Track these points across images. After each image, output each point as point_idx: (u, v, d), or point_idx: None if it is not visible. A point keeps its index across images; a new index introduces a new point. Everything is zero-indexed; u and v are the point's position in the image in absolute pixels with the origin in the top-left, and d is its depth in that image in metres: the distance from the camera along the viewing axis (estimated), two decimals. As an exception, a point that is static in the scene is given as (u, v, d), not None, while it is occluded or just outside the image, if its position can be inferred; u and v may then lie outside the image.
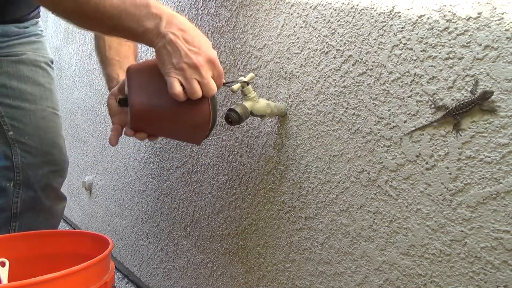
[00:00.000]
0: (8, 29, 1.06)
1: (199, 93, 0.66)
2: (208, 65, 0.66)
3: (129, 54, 0.88)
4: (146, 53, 1.32)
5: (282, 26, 0.82)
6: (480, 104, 0.52)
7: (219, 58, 1.00)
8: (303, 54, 0.77)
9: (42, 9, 1.17)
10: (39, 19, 1.17)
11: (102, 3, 0.63)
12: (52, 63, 1.18)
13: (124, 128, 0.77)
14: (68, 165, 1.18)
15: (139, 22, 0.64)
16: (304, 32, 0.77)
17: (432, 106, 0.57)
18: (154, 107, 0.68)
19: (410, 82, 0.60)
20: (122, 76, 0.85)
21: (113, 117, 0.83)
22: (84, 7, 0.64)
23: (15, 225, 1.09)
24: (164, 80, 0.66)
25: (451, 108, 0.55)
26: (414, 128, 0.60)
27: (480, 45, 0.53)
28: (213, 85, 0.67)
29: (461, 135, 0.55)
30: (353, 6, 0.68)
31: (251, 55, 0.90)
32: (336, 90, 0.71)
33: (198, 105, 0.68)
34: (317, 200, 0.75)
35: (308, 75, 0.76)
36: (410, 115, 0.60)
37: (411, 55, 0.60)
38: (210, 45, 0.69)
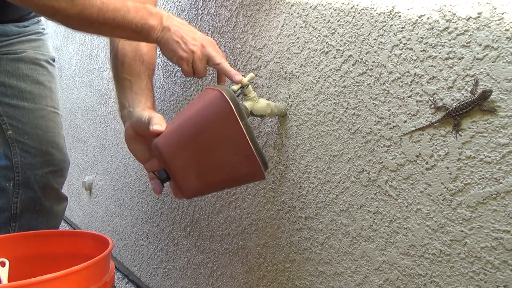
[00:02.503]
0: (8, 28, 1.06)
1: (204, 71, 0.77)
2: (209, 44, 0.76)
3: (142, 71, 0.83)
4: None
5: (282, 26, 0.82)
6: (480, 104, 0.52)
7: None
8: (303, 54, 0.77)
9: None
10: (41, 17, 1.17)
11: (105, 7, 0.67)
12: (54, 61, 1.17)
13: (172, 193, 0.75)
14: (68, 165, 1.18)
15: (143, 20, 0.71)
16: (304, 32, 0.77)
17: (432, 106, 0.57)
18: (206, 186, 0.67)
19: (410, 82, 0.60)
20: (132, 102, 0.79)
21: (145, 163, 0.78)
22: (86, 12, 0.67)
23: (15, 226, 1.09)
24: (201, 149, 0.64)
25: (451, 108, 0.55)
26: (414, 128, 0.60)
27: (480, 45, 0.53)
28: (218, 58, 0.76)
29: (461, 135, 0.55)
30: (353, 6, 0.68)
31: (251, 55, 0.90)
32: (336, 90, 0.71)
33: (245, 160, 0.64)
34: (317, 200, 0.75)
35: (308, 75, 0.76)
36: (410, 115, 0.60)
37: (411, 55, 0.60)
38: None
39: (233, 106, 0.62)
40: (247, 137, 0.63)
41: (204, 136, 0.64)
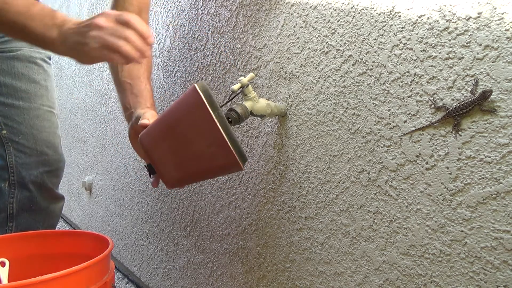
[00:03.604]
0: None
1: (125, 47, 0.64)
2: (111, 17, 0.64)
3: (140, 73, 0.84)
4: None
5: (282, 26, 0.82)
6: (480, 104, 0.52)
7: (218, 58, 1.00)
8: (303, 54, 0.77)
9: None
10: None
11: (6, 8, 0.64)
12: (50, 59, 1.16)
13: (164, 184, 0.77)
14: (64, 165, 1.17)
15: (45, 31, 0.66)
16: (304, 32, 0.77)
17: (432, 106, 0.57)
18: (185, 176, 0.70)
19: (410, 82, 0.60)
20: (133, 104, 0.82)
21: (145, 159, 0.80)
22: None
23: (11, 226, 1.08)
24: (178, 141, 0.67)
25: (451, 108, 0.55)
26: (414, 128, 0.60)
27: (480, 45, 0.53)
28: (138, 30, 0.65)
29: (461, 135, 0.55)
30: (353, 6, 0.68)
31: (251, 55, 0.90)
32: (336, 90, 0.71)
33: (219, 150, 0.65)
34: (317, 200, 0.75)
35: (308, 75, 0.76)
36: (410, 115, 0.60)
37: (411, 55, 0.60)
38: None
39: (204, 98, 0.64)
40: (220, 128, 0.64)
41: (180, 127, 0.67)
